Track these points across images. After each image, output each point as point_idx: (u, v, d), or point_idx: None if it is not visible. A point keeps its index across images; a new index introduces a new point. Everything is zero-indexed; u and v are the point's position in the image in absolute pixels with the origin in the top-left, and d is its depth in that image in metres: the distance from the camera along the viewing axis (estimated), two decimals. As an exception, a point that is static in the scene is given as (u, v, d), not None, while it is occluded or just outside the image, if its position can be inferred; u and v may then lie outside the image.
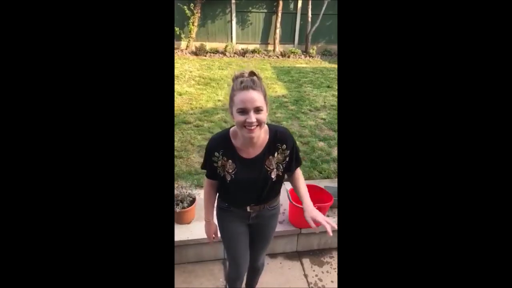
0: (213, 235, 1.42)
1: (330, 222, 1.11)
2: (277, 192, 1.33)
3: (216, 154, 1.19)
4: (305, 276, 1.95)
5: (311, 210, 1.19)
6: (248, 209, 1.29)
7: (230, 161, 1.19)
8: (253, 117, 1.04)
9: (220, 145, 1.18)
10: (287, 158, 1.22)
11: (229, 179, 1.21)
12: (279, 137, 1.19)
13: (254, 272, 1.60)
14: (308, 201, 1.24)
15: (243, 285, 1.65)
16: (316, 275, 1.95)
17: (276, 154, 1.20)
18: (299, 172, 1.32)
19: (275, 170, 1.22)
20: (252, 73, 1.09)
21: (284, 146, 1.20)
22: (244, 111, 1.04)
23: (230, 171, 1.20)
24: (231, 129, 1.20)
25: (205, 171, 1.28)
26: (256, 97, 1.04)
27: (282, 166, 1.23)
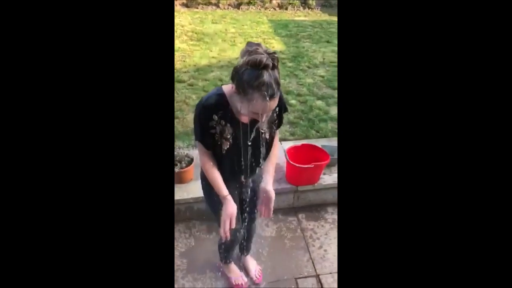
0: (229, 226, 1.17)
1: (269, 212, 1.23)
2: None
3: (215, 117, 1.07)
4: (302, 230, 2.05)
5: (269, 185, 1.20)
6: (242, 178, 1.24)
7: (228, 124, 1.09)
8: (264, 119, 1.00)
9: (217, 107, 1.06)
10: (276, 116, 1.17)
11: (226, 147, 1.12)
12: None
13: (248, 237, 1.56)
14: (270, 176, 1.21)
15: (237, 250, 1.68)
16: (311, 229, 2.06)
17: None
18: (277, 137, 1.25)
19: (267, 130, 1.17)
20: (273, 66, 0.92)
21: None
22: (258, 114, 0.99)
23: (228, 136, 1.11)
24: (225, 90, 1.07)
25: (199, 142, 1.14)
26: (275, 102, 0.97)
27: (275, 126, 1.19)
